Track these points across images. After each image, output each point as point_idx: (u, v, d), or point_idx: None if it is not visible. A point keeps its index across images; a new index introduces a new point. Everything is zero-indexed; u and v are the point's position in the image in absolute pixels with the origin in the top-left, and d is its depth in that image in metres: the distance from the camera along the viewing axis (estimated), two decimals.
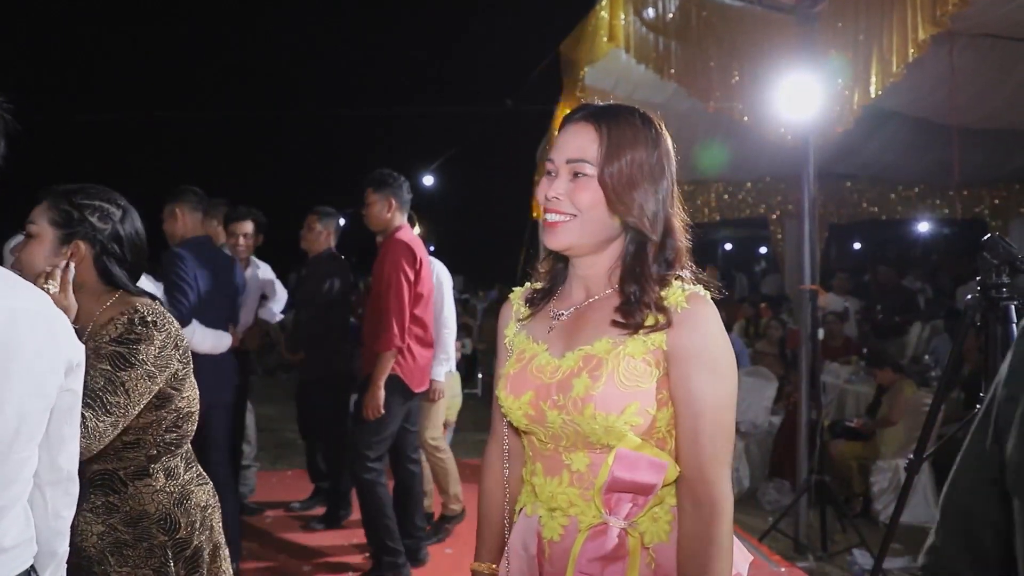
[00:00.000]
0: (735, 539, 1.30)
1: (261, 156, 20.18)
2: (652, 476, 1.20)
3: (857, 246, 23.16)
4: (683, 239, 1.31)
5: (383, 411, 3.45)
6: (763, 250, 22.66)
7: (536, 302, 1.40)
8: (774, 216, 9.35)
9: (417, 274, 3.57)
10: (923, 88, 5.01)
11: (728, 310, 8.85)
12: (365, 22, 22.05)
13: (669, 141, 1.31)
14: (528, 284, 1.45)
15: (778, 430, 5.30)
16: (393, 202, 3.64)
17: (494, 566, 1.43)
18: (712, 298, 1.27)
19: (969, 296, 2.30)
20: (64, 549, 1.35)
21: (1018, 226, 9.08)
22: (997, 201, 9.07)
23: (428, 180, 16.56)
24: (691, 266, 1.33)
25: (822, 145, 4.43)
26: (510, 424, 1.36)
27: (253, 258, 4.58)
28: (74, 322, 1.69)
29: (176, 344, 1.67)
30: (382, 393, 3.45)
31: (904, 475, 2.74)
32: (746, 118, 4.58)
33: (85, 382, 1.50)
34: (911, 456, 2.57)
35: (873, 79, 3.73)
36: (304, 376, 4.65)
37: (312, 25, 21.98)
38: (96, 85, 18.55)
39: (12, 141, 1.27)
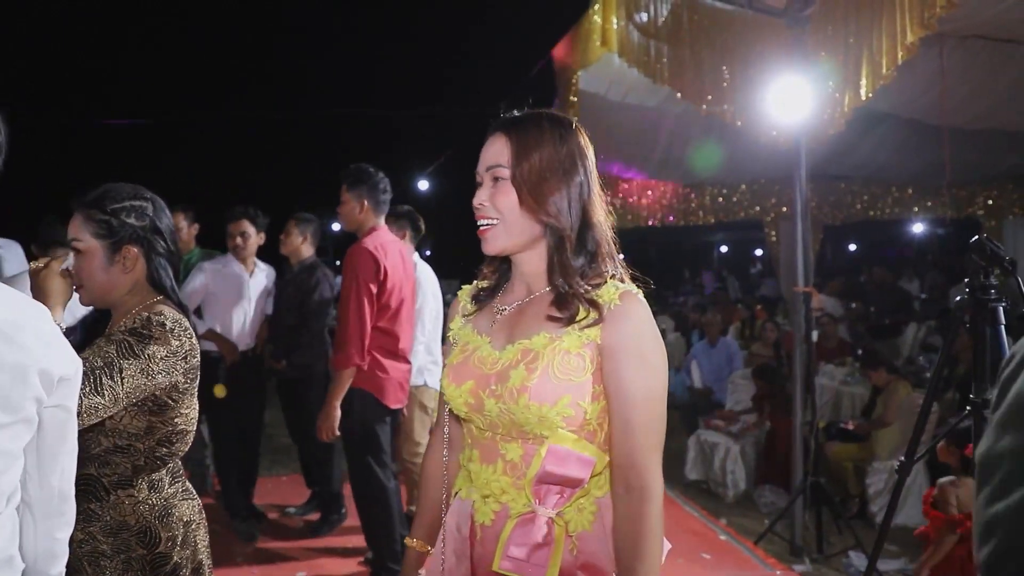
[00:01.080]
0: None
1: (256, 160, 20.18)
2: (580, 471, 1.28)
3: (852, 247, 23.22)
4: (604, 231, 1.39)
5: (337, 433, 3.36)
6: (759, 252, 22.73)
7: (482, 299, 1.49)
8: (769, 218, 9.38)
9: (382, 285, 3.35)
10: (914, 90, 5.03)
11: (724, 312, 8.87)
12: (361, 27, 22.09)
13: (582, 138, 1.40)
14: (476, 283, 1.53)
15: (766, 436, 5.30)
16: (366, 203, 3.43)
17: (427, 545, 1.52)
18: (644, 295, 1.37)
19: (959, 297, 2.30)
20: (58, 571, 1.32)
21: (1011, 225, 9.12)
22: (990, 201, 9.12)
23: (423, 184, 16.57)
24: (619, 260, 1.41)
25: (815, 147, 4.44)
26: (451, 412, 1.45)
27: (258, 261, 4.47)
28: (113, 319, 1.72)
29: (186, 357, 1.66)
30: (337, 413, 3.34)
31: (897, 477, 2.74)
32: (739, 122, 4.60)
33: (87, 358, 1.50)
34: (903, 458, 2.57)
35: (864, 81, 3.75)
36: (285, 380, 4.58)
37: (308, 30, 22.02)
38: (99, 89, 18.56)
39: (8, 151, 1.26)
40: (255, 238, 4.35)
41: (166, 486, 1.71)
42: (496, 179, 1.36)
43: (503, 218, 1.35)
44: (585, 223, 1.36)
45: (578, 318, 1.31)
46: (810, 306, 4.29)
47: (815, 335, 4.47)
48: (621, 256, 1.43)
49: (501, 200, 1.35)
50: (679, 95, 5.14)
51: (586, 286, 1.33)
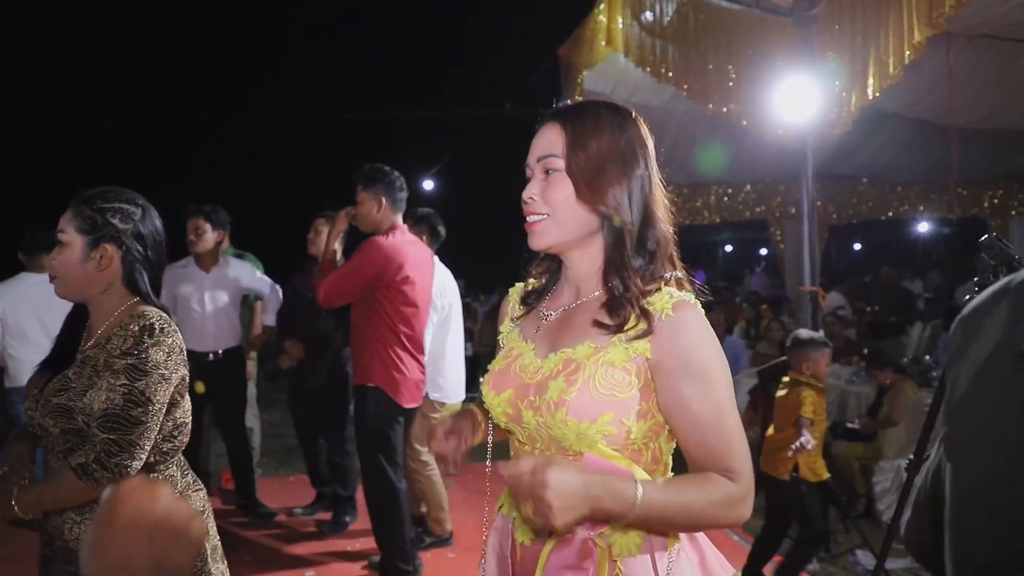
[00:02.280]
0: (718, 554, 1.30)
1: (262, 161, 20.23)
2: None
3: (858, 247, 23.20)
4: (665, 227, 1.29)
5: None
6: (764, 251, 22.72)
7: (530, 301, 1.40)
8: (774, 217, 9.37)
9: (405, 281, 3.36)
10: (921, 89, 5.03)
11: (728, 312, 8.87)
12: (366, 28, 22.13)
13: (643, 129, 1.31)
14: (527, 282, 1.45)
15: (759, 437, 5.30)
16: (383, 201, 3.39)
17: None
18: (702, 303, 1.25)
19: (968, 296, 2.30)
20: None
21: (1018, 224, 9.11)
22: (996, 200, 9.10)
23: (428, 184, 16.61)
24: (678, 262, 1.31)
25: (821, 146, 4.44)
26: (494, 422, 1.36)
27: (225, 258, 4.50)
28: (89, 319, 1.75)
29: (181, 350, 1.72)
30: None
31: (905, 476, 2.74)
32: (744, 121, 4.60)
33: (104, 407, 1.56)
34: (911, 456, 2.57)
35: (871, 81, 3.75)
36: (297, 383, 4.57)
37: (314, 33, 22.06)
38: (106, 93, 18.63)
39: None
40: (211, 235, 4.35)
41: (179, 480, 1.76)
42: (548, 171, 1.27)
43: (554, 213, 1.25)
44: (646, 220, 1.26)
45: (627, 327, 1.21)
46: (817, 305, 4.29)
47: (821, 334, 4.46)
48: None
49: (553, 193, 1.25)
50: (685, 95, 5.14)
51: (643, 290, 1.23)
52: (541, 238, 1.28)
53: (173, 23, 19.77)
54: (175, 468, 1.76)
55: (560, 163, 1.25)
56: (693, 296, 1.25)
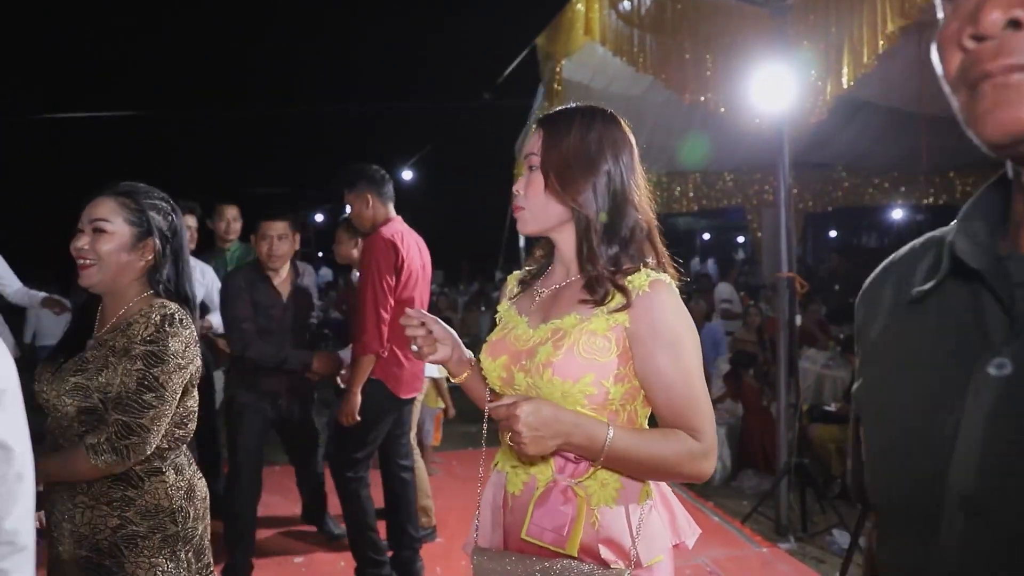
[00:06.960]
0: (686, 514, 1.48)
1: (241, 154, 20.05)
2: None
3: (833, 234, 23.47)
4: (639, 219, 1.43)
5: (358, 418, 3.27)
6: (741, 239, 22.93)
7: (527, 282, 1.58)
8: (751, 205, 9.47)
9: (399, 274, 3.29)
10: (894, 78, 5.10)
11: (707, 298, 8.97)
12: (344, 19, 21.97)
13: (615, 128, 1.45)
14: (525, 268, 1.63)
15: (741, 423, 5.40)
16: (371, 198, 3.37)
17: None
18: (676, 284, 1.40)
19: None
20: None
21: None
22: (968, 188, 9.25)
23: (407, 175, 16.57)
24: (660, 247, 1.45)
25: (797, 135, 4.49)
26: (491, 389, 1.52)
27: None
28: (102, 306, 1.79)
29: (196, 341, 1.78)
30: (358, 399, 3.27)
31: None
32: (722, 109, 4.64)
33: (119, 391, 1.62)
34: None
35: (845, 70, 3.81)
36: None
37: (292, 25, 21.85)
38: (83, 83, 18.35)
39: None
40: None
41: (186, 467, 1.82)
42: (531, 168, 1.44)
43: (529, 205, 1.44)
44: (616, 211, 1.40)
45: (608, 302, 1.36)
46: (793, 291, 4.36)
47: (798, 319, 4.55)
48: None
49: (530, 187, 1.43)
50: (662, 84, 5.17)
51: (611, 270, 1.38)
52: (523, 226, 1.47)
53: (150, 19, 19.49)
54: (183, 456, 1.83)
55: (537, 160, 1.43)
56: (668, 277, 1.39)
